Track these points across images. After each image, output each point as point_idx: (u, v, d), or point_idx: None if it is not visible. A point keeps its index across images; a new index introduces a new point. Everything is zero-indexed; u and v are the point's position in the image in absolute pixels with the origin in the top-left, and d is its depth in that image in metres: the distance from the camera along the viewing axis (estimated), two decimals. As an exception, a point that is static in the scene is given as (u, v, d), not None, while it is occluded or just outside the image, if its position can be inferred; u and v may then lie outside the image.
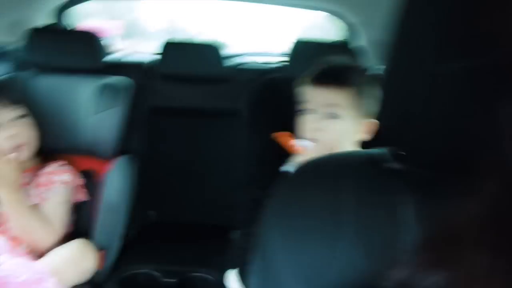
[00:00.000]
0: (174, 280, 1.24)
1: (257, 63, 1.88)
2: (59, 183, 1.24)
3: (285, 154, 1.31)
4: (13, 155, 1.20)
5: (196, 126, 1.78)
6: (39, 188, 1.22)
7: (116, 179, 1.28)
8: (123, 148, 1.42)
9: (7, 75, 1.41)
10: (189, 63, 1.65)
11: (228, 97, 1.72)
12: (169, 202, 1.75)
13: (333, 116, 1.12)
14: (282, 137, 1.15)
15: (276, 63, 1.88)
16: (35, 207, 1.20)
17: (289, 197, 0.55)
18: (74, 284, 1.13)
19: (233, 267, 1.09)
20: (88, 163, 1.39)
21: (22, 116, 1.25)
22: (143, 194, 1.57)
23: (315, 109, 1.14)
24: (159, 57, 1.66)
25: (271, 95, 1.38)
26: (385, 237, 0.46)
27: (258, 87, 1.39)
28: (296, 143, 1.13)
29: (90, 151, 1.37)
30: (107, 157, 1.38)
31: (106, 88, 1.39)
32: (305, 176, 0.58)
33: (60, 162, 1.29)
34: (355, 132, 1.16)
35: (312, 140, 1.12)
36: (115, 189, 1.27)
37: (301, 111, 1.18)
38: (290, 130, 1.36)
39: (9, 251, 1.05)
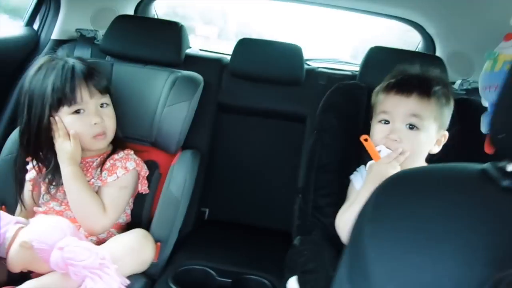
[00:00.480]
0: (229, 281, 1.21)
1: (329, 68, 1.82)
2: (122, 169, 1.23)
3: (352, 162, 1.25)
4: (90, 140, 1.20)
5: (263, 127, 1.75)
6: (103, 173, 1.23)
7: (179, 173, 1.28)
8: (188, 142, 1.42)
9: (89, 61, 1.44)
10: (263, 63, 1.62)
11: (298, 101, 1.67)
12: (224, 200, 1.73)
13: (414, 127, 1.06)
14: (368, 140, 1.09)
15: (349, 70, 1.82)
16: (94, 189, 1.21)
17: (392, 207, 0.50)
18: (131, 273, 1.13)
19: (291, 274, 1.04)
20: (153, 155, 1.40)
21: (107, 105, 1.25)
22: (200, 190, 1.57)
23: (394, 119, 1.08)
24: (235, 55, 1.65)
25: (343, 102, 1.32)
26: (496, 254, 0.43)
27: (331, 93, 1.33)
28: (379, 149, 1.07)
29: (156, 143, 1.38)
30: (173, 150, 1.38)
31: (180, 81, 1.39)
32: (410, 186, 0.52)
33: (128, 151, 1.29)
34: (431, 144, 1.09)
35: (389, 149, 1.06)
36: (177, 183, 1.26)
37: (378, 120, 1.12)
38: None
39: (73, 234, 1.06)
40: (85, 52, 1.75)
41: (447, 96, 1.09)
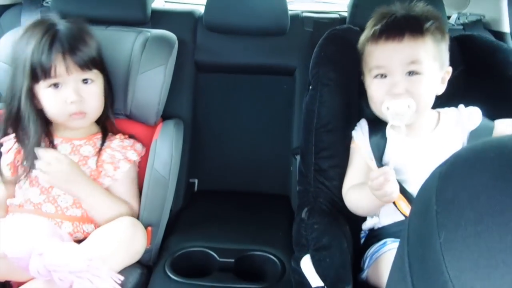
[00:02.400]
0: (232, 260, 1.11)
1: (314, 12, 1.64)
2: (126, 162, 1.14)
3: (354, 118, 1.14)
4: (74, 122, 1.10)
5: (247, 85, 1.59)
6: (105, 167, 1.12)
7: (163, 149, 1.14)
8: (168, 111, 1.26)
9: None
10: (242, 12, 1.44)
11: (284, 52, 1.51)
12: (214, 169, 1.60)
13: (414, 73, 0.95)
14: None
15: (336, 12, 1.65)
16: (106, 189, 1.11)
17: (466, 203, 0.38)
18: (124, 266, 1.01)
19: (303, 252, 0.94)
20: (130, 128, 1.24)
21: (92, 81, 1.10)
22: (187, 161, 1.43)
23: (392, 71, 0.97)
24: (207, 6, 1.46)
25: (339, 51, 1.18)
26: None
27: (324, 42, 1.18)
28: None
29: (132, 116, 1.22)
30: (152, 122, 1.22)
31: (151, 43, 1.21)
32: (484, 170, 0.40)
33: (121, 136, 1.18)
34: (436, 85, 1.00)
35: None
36: (162, 161, 1.13)
37: (374, 76, 1.01)
38: (363, 94, 1.18)
39: (53, 234, 0.93)
40: (33, 16, 1.51)
41: (441, 30, 0.99)
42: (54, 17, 1.12)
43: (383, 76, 0.99)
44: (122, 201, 1.12)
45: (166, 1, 1.93)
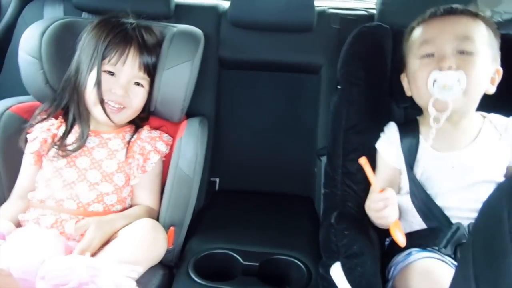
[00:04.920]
0: (256, 264, 1.08)
1: (341, 8, 1.60)
2: (155, 153, 1.15)
3: (383, 119, 1.10)
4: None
5: (271, 82, 1.55)
6: (136, 157, 1.12)
7: (188, 148, 1.11)
8: (192, 108, 1.24)
9: (59, 20, 1.21)
10: (268, 7, 1.40)
11: (310, 49, 1.47)
12: (235, 167, 1.56)
13: (466, 54, 0.90)
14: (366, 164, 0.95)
15: (363, 9, 1.60)
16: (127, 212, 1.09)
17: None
18: (145, 269, 0.98)
19: (333, 260, 0.91)
20: (155, 125, 1.23)
21: (142, 86, 1.14)
22: (209, 159, 1.41)
23: (442, 45, 0.91)
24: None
25: (369, 50, 1.14)
26: None
27: (354, 40, 1.14)
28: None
29: (157, 112, 1.19)
30: (177, 119, 1.20)
31: (178, 38, 1.18)
32: None
33: (148, 127, 1.20)
34: (488, 77, 0.94)
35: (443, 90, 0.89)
36: (187, 160, 1.09)
37: (420, 56, 0.95)
38: (393, 94, 1.14)
39: (58, 248, 0.91)
40: (56, 10, 1.50)
41: (494, 25, 0.95)
42: (123, 15, 1.18)
43: (430, 55, 0.93)
44: (143, 210, 1.11)
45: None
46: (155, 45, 1.17)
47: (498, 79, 0.97)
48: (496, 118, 1.00)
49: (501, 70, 0.97)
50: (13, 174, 1.13)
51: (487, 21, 0.94)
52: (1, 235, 0.93)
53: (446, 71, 0.88)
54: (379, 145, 1.05)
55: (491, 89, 0.96)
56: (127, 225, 1.01)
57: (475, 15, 0.93)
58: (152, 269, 1.01)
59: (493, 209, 0.39)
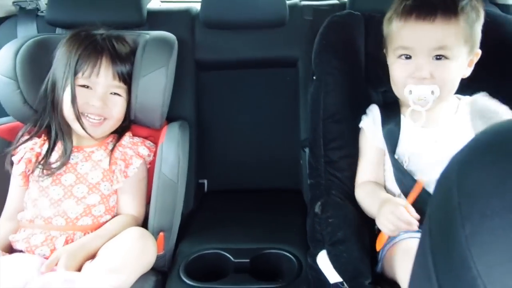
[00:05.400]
0: (247, 260, 1.09)
1: (310, 0, 1.61)
2: (138, 158, 1.15)
3: (362, 105, 1.11)
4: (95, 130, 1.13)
5: (250, 80, 1.56)
6: (118, 163, 1.13)
7: (170, 153, 1.11)
8: (172, 112, 1.24)
9: (32, 38, 1.22)
10: (239, 6, 1.41)
11: (285, 43, 1.48)
12: (223, 167, 1.58)
13: (442, 58, 0.90)
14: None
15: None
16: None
17: (495, 192, 0.35)
18: (136, 278, 0.99)
19: (319, 248, 0.92)
20: (136, 133, 1.23)
21: (119, 96, 1.15)
22: (195, 162, 1.41)
23: (418, 54, 0.91)
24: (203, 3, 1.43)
25: (341, 38, 1.15)
26: None
27: (325, 30, 1.15)
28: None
29: (137, 120, 1.20)
30: (157, 126, 1.20)
31: (150, 45, 1.19)
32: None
33: (130, 134, 1.20)
34: (463, 70, 0.95)
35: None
36: (170, 165, 1.10)
37: (397, 56, 0.96)
38: (370, 80, 1.14)
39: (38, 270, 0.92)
40: (29, 28, 1.50)
41: (477, 8, 0.92)
42: (95, 27, 1.18)
43: (407, 57, 0.94)
44: (125, 220, 1.10)
45: (162, 1, 1.90)
46: (128, 53, 1.17)
47: (476, 60, 0.97)
48: (467, 99, 1.02)
49: (479, 52, 0.96)
50: (0, 196, 1.13)
51: (468, 12, 0.90)
52: None
53: (421, 85, 0.91)
54: (365, 124, 1.05)
55: (468, 72, 0.97)
56: (104, 243, 1.00)
57: (454, 13, 0.89)
58: (144, 276, 1.02)
59: (445, 181, 0.40)
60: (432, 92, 0.90)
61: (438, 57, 0.90)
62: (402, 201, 0.87)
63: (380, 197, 0.93)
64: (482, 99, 0.99)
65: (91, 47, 1.11)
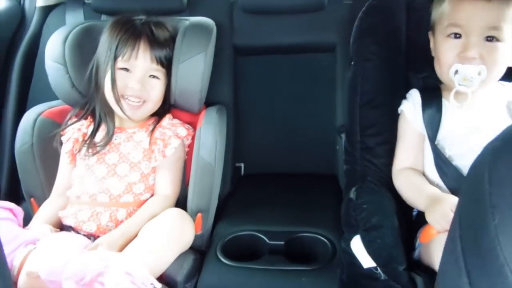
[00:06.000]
0: (282, 243, 1.11)
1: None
2: (176, 138, 1.18)
3: (400, 91, 1.09)
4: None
5: (287, 65, 1.56)
6: (157, 142, 1.17)
7: (207, 137, 1.14)
8: (210, 97, 1.27)
9: (79, 25, 1.27)
10: None
11: (323, 28, 1.47)
12: (259, 151, 1.60)
13: (493, 39, 0.88)
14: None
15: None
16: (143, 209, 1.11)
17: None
18: (176, 257, 1.03)
19: (353, 233, 0.93)
20: (176, 117, 1.27)
21: (157, 79, 1.19)
22: (232, 145, 1.44)
23: (470, 33, 0.89)
24: None
25: (381, 23, 1.12)
26: None
27: (365, 14, 1.13)
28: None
29: (177, 105, 1.24)
30: (196, 110, 1.24)
31: (190, 31, 1.21)
32: None
33: (170, 116, 1.24)
34: (511, 55, 0.92)
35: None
36: (207, 148, 1.13)
37: (447, 34, 0.93)
38: (410, 65, 1.12)
39: (83, 249, 0.97)
40: (77, 15, 1.57)
41: None
42: (136, 14, 1.22)
43: (457, 36, 0.92)
44: (160, 200, 1.13)
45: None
46: (167, 38, 1.20)
47: None
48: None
49: None
50: (51, 174, 1.21)
51: None
52: (33, 240, 0.99)
53: (468, 64, 0.89)
54: (405, 108, 1.03)
55: None
56: (139, 229, 1.03)
57: None
58: (183, 254, 1.06)
59: (476, 170, 0.41)
60: (479, 73, 0.88)
61: (489, 38, 0.88)
62: (453, 199, 0.85)
63: (427, 192, 0.92)
64: None
65: (130, 31, 1.15)
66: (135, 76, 1.15)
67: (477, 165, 0.41)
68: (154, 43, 1.16)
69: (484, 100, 0.96)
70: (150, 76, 1.17)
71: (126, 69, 1.15)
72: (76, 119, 1.24)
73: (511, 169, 0.35)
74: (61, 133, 1.22)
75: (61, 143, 1.22)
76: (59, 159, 1.22)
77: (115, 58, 1.13)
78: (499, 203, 0.35)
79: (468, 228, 0.39)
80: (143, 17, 1.21)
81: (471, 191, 0.40)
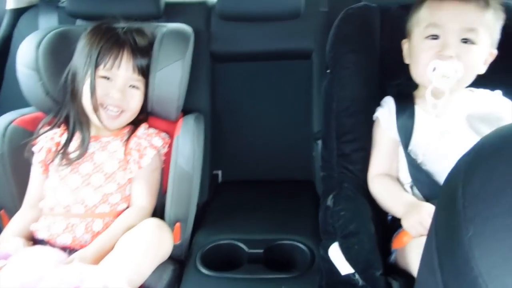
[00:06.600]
0: (261, 251, 1.11)
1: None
2: (152, 149, 1.17)
3: (376, 98, 1.11)
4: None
5: (264, 71, 1.57)
6: (132, 153, 1.15)
7: (185, 145, 1.13)
8: (188, 105, 1.26)
9: (53, 30, 1.24)
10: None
11: (299, 35, 1.48)
12: (236, 159, 1.60)
13: (468, 41, 0.92)
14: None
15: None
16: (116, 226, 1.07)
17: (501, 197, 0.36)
18: (154, 268, 1.02)
19: (331, 241, 0.94)
20: (153, 124, 1.25)
21: (137, 89, 1.17)
22: (209, 153, 1.44)
23: (447, 34, 0.93)
24: None
25: (357, 31, 1.14)
26: None
27: (341, 22, 1.15)
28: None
29: (154, 113, 1.23)
30: (173, 118, 1.23)
31: (167, 38, 1.20)
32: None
33: (145, 125, 1.21)
34: (482, 63, 0.96)
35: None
36: (185, 156, 1.12)
37: (425, 36, 0.96)
38: (384, 72, 1.14)
39: (57, 263, 0.94)
40: (50, 19, 1.53)
41: (501, 10, 0.95)
42: (115, 20, 1.20)
43: (434, 37, 0.95)
44: (135, 212, 1.11)
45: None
46: (147, 46, 1.19)
47: (490, 60, 0.98)
48: (484, 91, 1.02)
49: (495, 53, 0.98)
50: (23, 185, 1.18)
51: (494, 9, 0.94)
52: (4, 255, 0.96)
53: (446, 61, 0.91)
54: (380, 115, 1.05)
55: (483, 69, 0.98)
56: (115, 242, 1.00)
57: (486, 3, 0.93)
58: (162, 265, 1.05)
59: (451, 183, 0.42)
60: (456, 72, 0.91)
61: (464, 40, 0.92)
62: (430, 207, 0.87)
63: (405, 200, 0.94)
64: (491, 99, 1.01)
65: (113, 39, 1.13)
66: (116, 85, 1.13)
67: (451, 179, 0.42)
68: (137, 52, 1.15)
69: (455, 106, 0.99)
70: (130, 86, 1.16)
71: (107, 78, 1.13)
72: (48, 127, 1.20)
73: (484, 183, 0.36)
74: (33, 142, 1.18)
75: (32, 153, 1.18)
76: (31, 169, 1.19)
77: (96, 66, 1.12)
78: (473, 217, 0.36)
79: (443, 239, 0.40)
80: (123, 24, 1.19)
81: (446, 204, 0.41)
